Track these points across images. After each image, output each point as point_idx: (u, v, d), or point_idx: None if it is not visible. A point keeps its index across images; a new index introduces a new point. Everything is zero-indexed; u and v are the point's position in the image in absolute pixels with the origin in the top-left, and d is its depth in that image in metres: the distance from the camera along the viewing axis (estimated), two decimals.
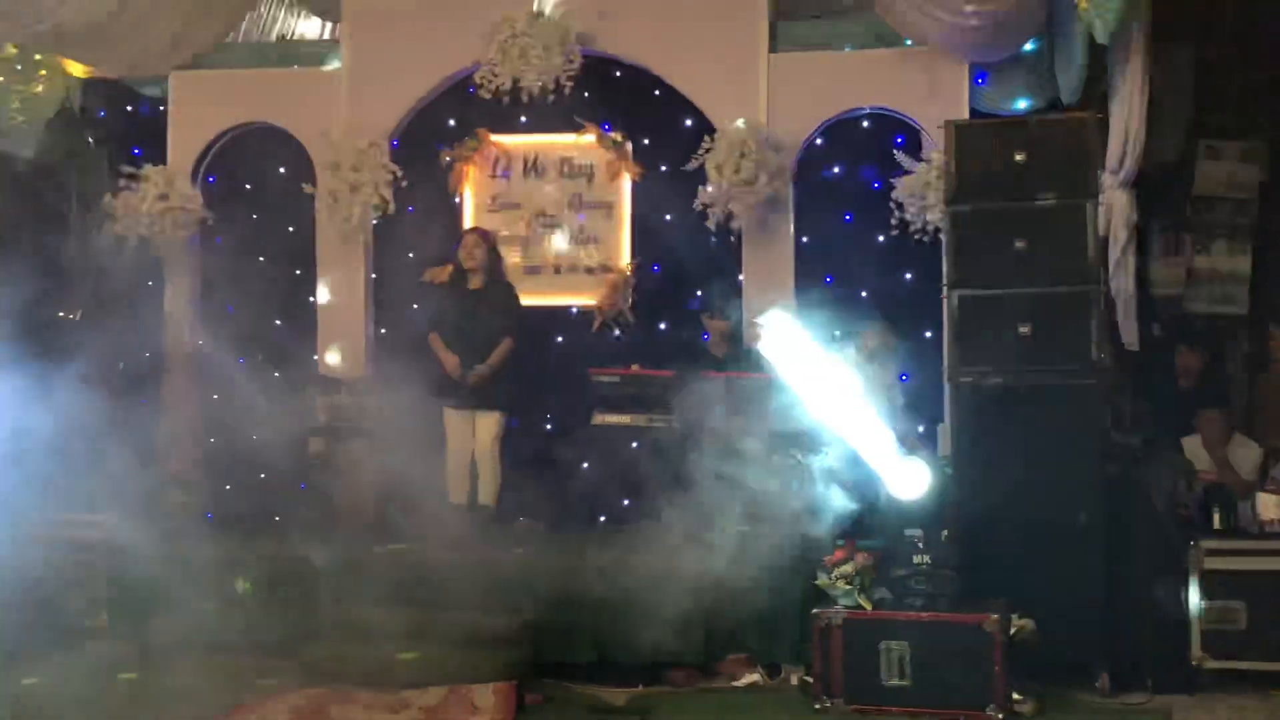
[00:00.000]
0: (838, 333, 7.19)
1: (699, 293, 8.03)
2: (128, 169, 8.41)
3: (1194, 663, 5.69)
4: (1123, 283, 7.23)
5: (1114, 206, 7.14)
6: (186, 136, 8.66)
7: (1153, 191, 7.48)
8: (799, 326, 5.80)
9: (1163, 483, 6.19)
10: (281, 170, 8.69)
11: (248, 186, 8.76)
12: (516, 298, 7.48)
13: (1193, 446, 7.02)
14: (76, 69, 8.56)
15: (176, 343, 8.57)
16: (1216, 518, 6.05)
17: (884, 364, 7.22)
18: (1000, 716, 5.21)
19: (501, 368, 7.25)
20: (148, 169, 8.41)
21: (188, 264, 8.65)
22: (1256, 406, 7.78)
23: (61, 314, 7.88)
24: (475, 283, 7.36)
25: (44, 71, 8.41)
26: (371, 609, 6.19)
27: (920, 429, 7.28)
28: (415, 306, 8.11)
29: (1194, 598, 5.72)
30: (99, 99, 8.97)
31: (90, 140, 8.90)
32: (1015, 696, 5.30)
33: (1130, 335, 7.27)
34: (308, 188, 8.37)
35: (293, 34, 9.07)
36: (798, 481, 6.26)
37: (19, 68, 8.31)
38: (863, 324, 7.29)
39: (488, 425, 7.20)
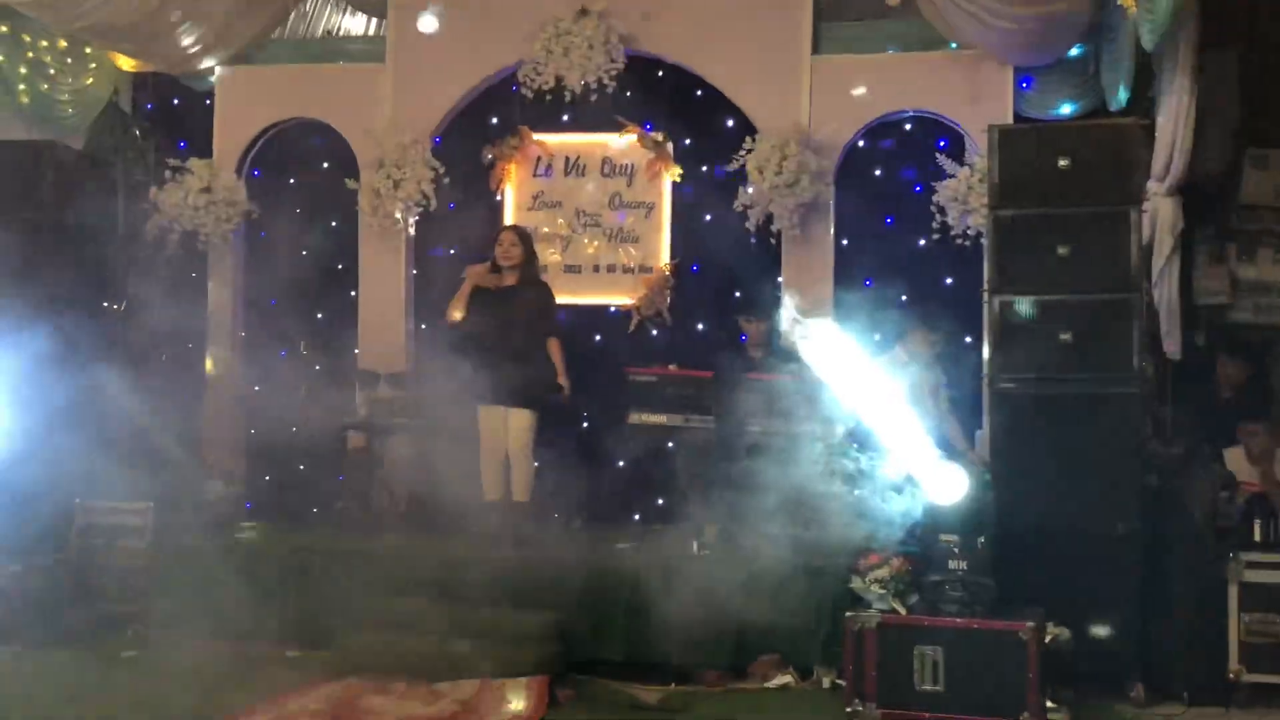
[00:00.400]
0: (878, 336, 7.18)
1: (738, 294, 8.02)
2: (173, 162, 8.51)
3: (1231, 676, 5.64)
4: (1166, 291, 7.16)
5: (1159, 214, 7.08)
6: (232, 131, 8.75)
7: (1198, 199, 7.40)
8: (839, 329, 5.78)
9: (1202, 493, 6.13)
10: (325, 165, 8.76)
11: (291, 181, 8.85)
12: (552, 297, 7.45)
13: (1235, 458, 6.94)
14: (125, 63, 8.68)
15: (219, 334, 8.67)
16: (1257, 530, 5.98)
17: (927, 368, 7.19)
18: None
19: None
20: (193, 162, 8.51)
21: (231, 257, 8.73)
22: None
23: (106, 304, 7.98)
24: (510, 280, 7.31)
25: (94, 65, 8.55)
26: (406, 602, 6.23)
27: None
28: None
29: (1232, 610, 5.67)
30: (146, 93, 9.11)
31: (137, 133, 9.01)
32: (1049, 705, 5.27)
33: (1173, 344, 7.21)
34: (351, 183, 8.44)
35: (338, 30, 9.14)
36: (840, 484, 6.23)
37: (69, 61, 8.44)
38: (904, 327, 7.26)
39: (521, 422, 7.19)
